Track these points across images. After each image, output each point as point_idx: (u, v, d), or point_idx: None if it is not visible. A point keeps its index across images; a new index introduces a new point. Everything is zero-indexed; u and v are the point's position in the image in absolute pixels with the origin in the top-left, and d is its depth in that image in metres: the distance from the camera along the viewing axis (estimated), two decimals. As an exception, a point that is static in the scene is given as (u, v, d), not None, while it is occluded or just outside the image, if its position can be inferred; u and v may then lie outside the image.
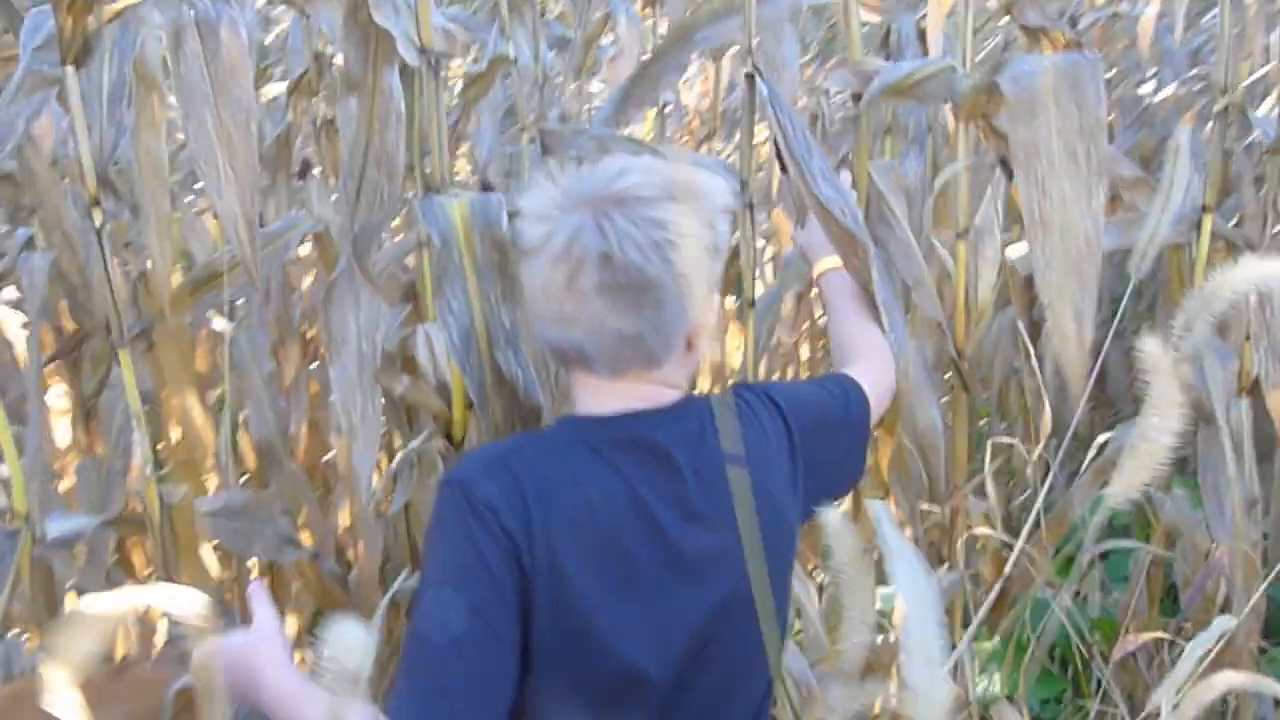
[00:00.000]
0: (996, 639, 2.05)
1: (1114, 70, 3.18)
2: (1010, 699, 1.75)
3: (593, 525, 1.06)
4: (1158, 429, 0.78)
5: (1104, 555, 2.21)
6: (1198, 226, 1.81)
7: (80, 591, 1.55)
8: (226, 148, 1.18)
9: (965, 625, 1.80)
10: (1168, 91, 2.99)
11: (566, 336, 1.10)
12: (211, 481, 1.91)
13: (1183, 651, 0.89)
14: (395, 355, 1.53)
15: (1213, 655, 0.90)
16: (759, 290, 2.06)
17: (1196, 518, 1.89)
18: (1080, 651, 1.75)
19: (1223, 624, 0.92)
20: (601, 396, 1.14)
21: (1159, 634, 1.66)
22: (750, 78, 1.48)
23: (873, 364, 1.42)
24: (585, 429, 1.14)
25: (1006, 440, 1.79)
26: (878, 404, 1.39)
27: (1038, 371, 2.02)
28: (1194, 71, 3.02)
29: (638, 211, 1.06)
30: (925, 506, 1.83)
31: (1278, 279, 0.85)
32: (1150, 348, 0.79)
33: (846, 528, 0.74)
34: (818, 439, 1.25)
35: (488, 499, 1.03)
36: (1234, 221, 2.27)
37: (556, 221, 1.08)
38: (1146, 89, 3.10)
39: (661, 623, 1.08)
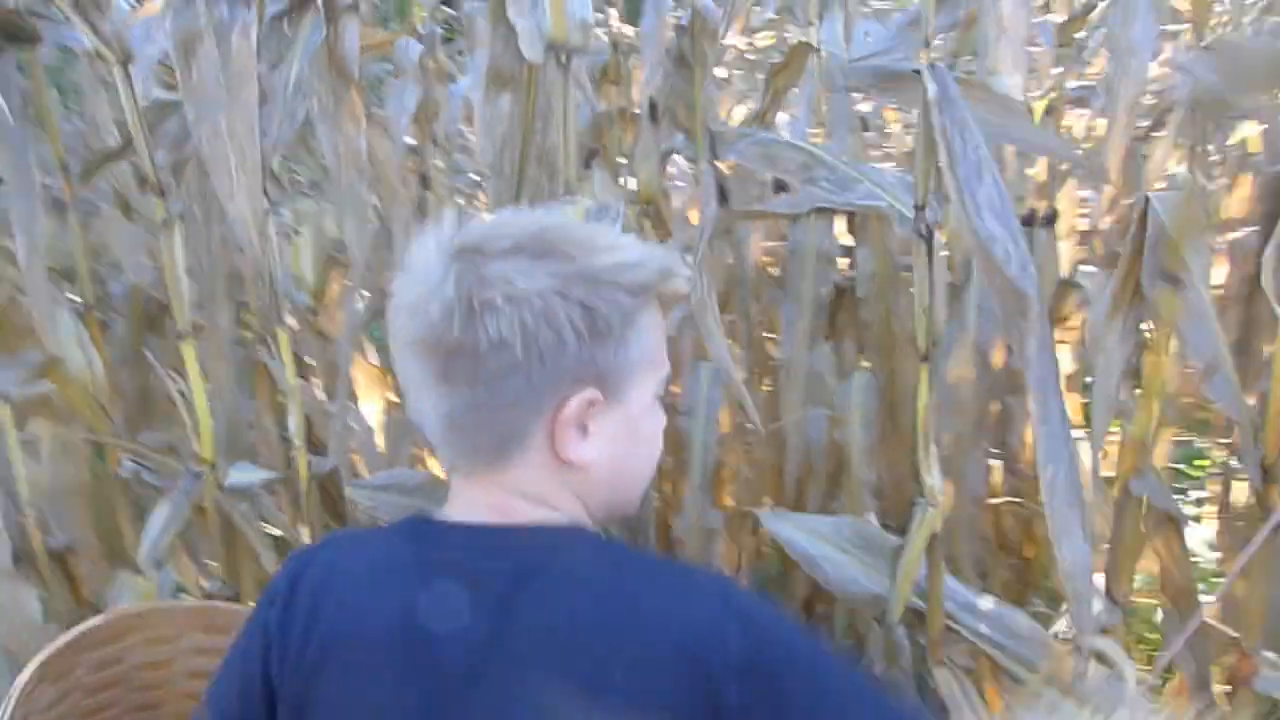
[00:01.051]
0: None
1: None
2: None
3: (356, 646, 0.90)
4: None
5: None
6: None
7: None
8: (237, 152, 1.18)
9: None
10: None
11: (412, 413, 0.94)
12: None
13: None
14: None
15: None
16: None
17: None
18: None
19: None
20: (454, 499, 0.94)
21: None
22: (916, 71, 1.19)
23: None
24: (415, 532, 0.95)
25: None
26: None
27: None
28: None
29: (472, 262, 0.86)
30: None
31: None
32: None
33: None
34: None
35: (272, 585, 0.95)
36: None
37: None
38: None
39: None
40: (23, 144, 1.63)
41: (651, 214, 2.36)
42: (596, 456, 0.89)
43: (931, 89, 1.18)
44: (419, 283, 0.87)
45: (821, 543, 1.41)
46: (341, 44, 1.55)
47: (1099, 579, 1.43)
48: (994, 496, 2.28)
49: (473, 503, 0.92)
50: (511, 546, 0.89)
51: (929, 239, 1.26)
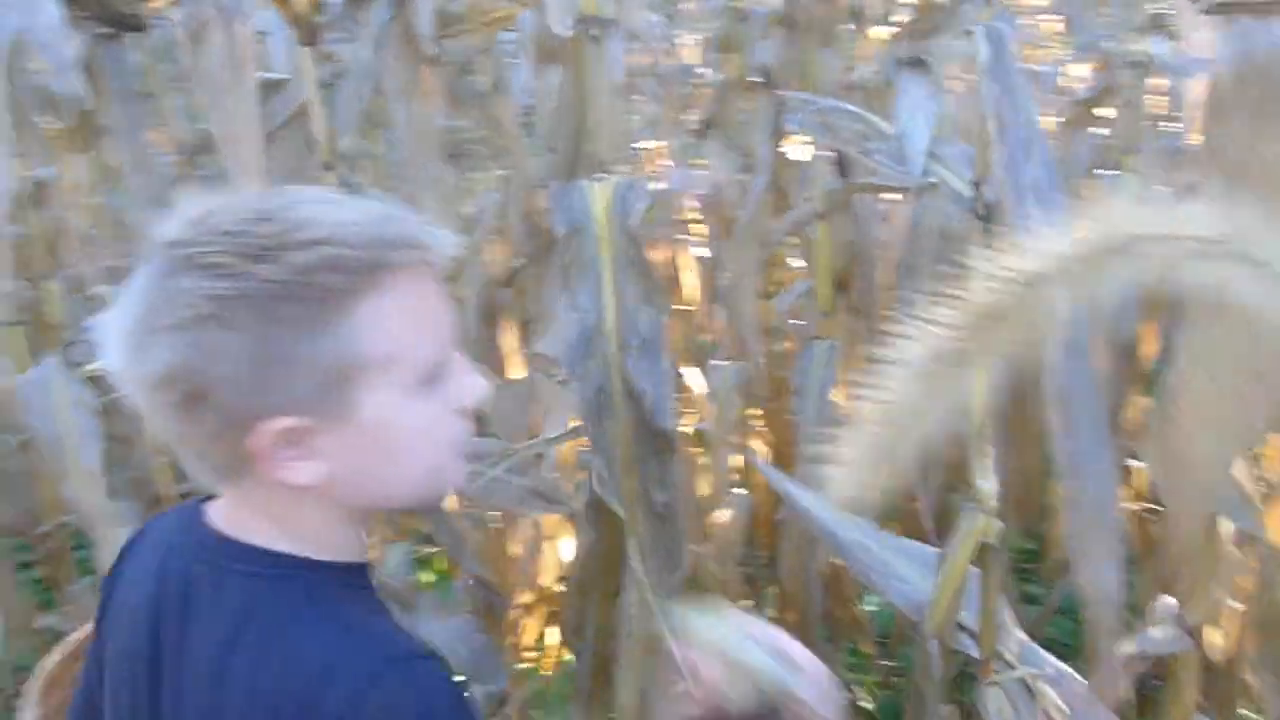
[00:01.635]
0: None
1: None
2: None
3: (120, 625, 0.91)
4: None
5: None
6: None
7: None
8: (243, 133, 1.18)
9: None
10: None
11: None
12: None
13: None
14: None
15: None
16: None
17: None
18: None
19: None
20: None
21: None
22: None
23: None
24: (188, 523, 0.91)
25: None
26: None
27: None
28: None
29: (156, 278, 0.79)
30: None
31: None
32: None
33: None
34: None
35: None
36: None
37: None
38: None
39: None
40: (138, 125, 1.73)
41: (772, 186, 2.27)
42: (326, 476, 0.81)
43: (984, 51, 1.05)
44: (125, 300, 0.81)
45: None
46: (413, 22, 1.55)
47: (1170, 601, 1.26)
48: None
49: (221, 503, 0.88)
50: (217, 564, 0.86)
51: (986, 219, 1.13)
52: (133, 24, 1.73)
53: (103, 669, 0.94)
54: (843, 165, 2.05)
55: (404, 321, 0.82)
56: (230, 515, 0.88)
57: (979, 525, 1.17)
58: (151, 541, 0.95)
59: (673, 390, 1.26)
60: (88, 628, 1.29)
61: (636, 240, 1.22)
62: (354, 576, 0.88)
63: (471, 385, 0.87)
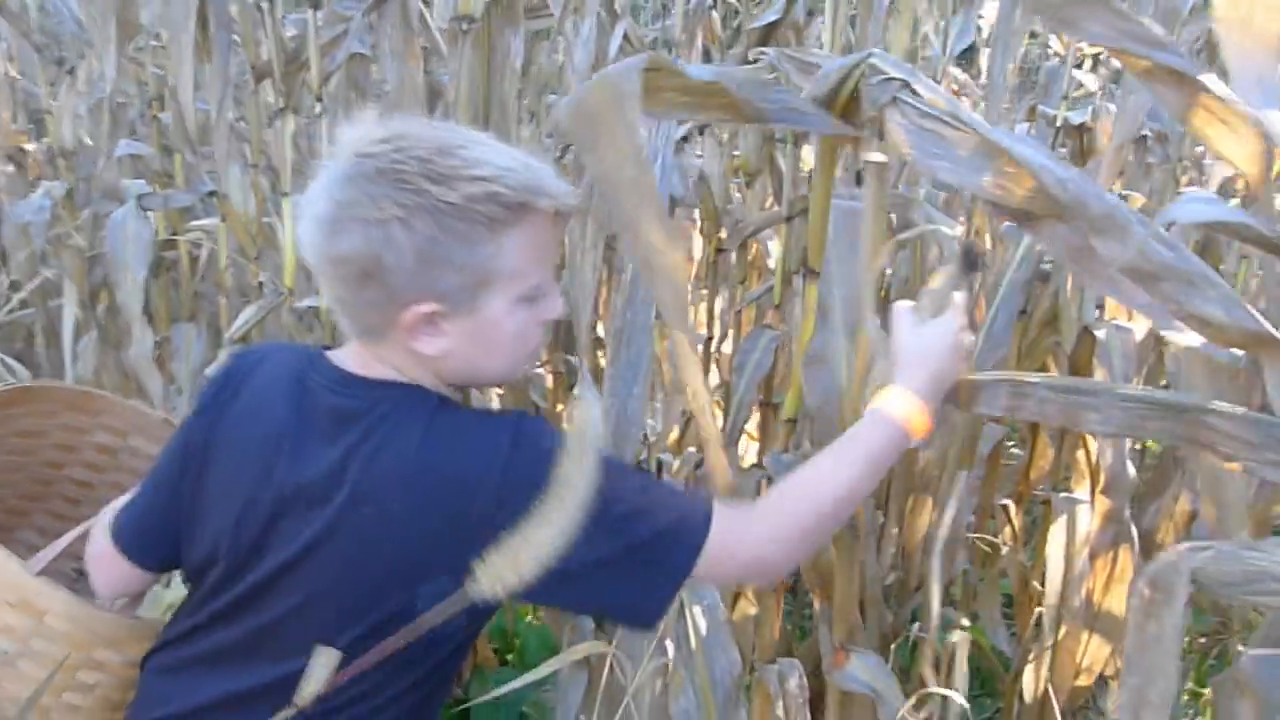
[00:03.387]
0: None
1: None
2: None
3: (237, 447, 1.18)
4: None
5: None
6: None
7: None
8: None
9: None
10: None
11: None
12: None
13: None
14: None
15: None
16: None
17: None
18: None
19: None
20: (345, 344, 1.20)
21: None
22: None
23: (761, 519, 1.12)
24: (311, 360, 1.19)
25: None
26: (714, 565, 1.10)
27: None
28: None
29: (348, 177, 1.06)
30: None
31: None
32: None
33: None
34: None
35: (203, 392, 1.27)
36: None
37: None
38: None
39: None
40: (227, 55, 2.28)
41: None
42: (445, 350, 1.10)
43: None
44: (319, 184, 1.08)
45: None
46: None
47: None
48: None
49: (350, 352, 1.16)
50: (363, 394, 1.12)
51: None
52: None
53: (203, 473, 1.19)
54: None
55: (531, 250, 1.09)
56: (358, 361, 1.14)
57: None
58: (269, 373, 1.20)
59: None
60: (9, 386, 1.59)
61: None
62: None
63: (555, 305, 1.15)
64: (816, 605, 1.62)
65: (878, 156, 1.08)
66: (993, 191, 0.97)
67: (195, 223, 2.49)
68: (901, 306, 1.20)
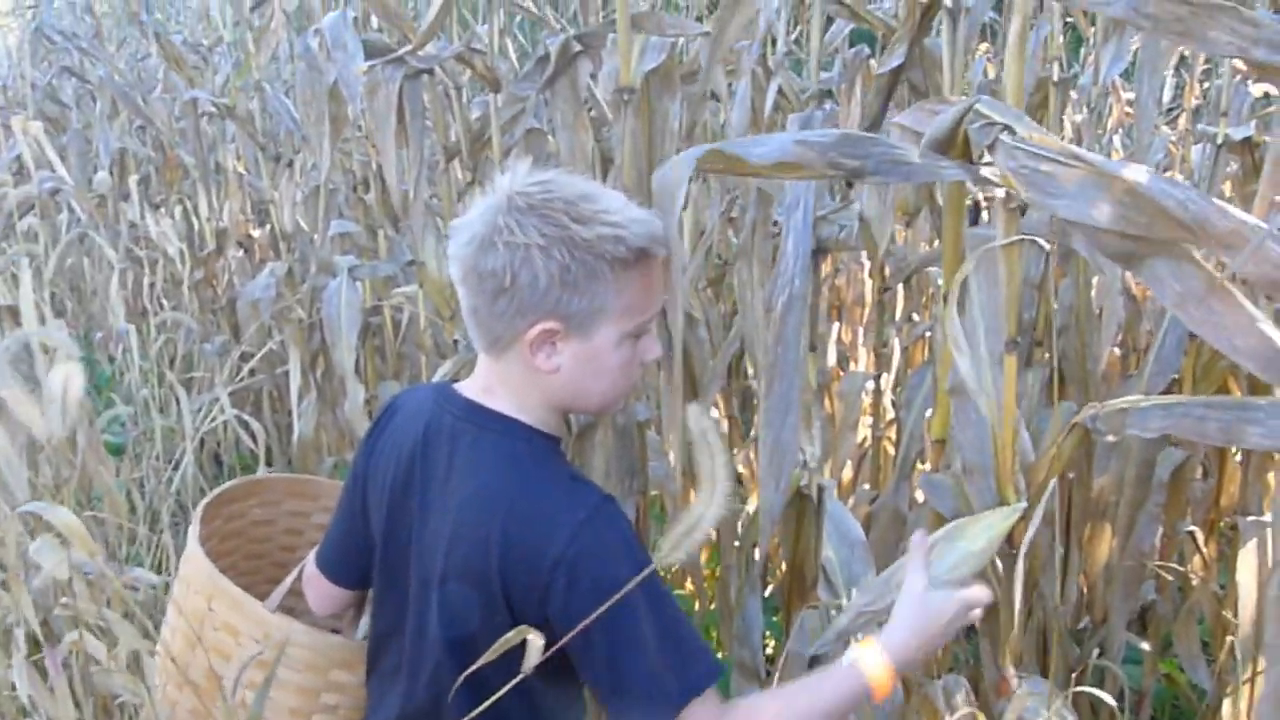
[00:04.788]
0: None
1: None
2: None
3: (387, 465, 1.36)
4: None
5: None
6: None
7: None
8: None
9: None
10: None
11: None
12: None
13: None
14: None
15: None
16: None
17: None
18: None
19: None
20: (474, 372, 1.35)
21: None
22: None
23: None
24: (441, 392, 1.36)
25: None
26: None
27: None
28: None
29: (503, 209, 1.21)
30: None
31: None
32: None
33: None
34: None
35: (369, 430, 1.45)
36: None
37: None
38: None
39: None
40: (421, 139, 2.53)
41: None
42: (558, 368, 1.24)
43: None
44: (476, 211, 1.24)
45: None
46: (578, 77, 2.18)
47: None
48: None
49: (475, 377, 1.32)
50: (480, 422, 1.29)
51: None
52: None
53: (365, 497, 1.39)
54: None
55: (643, 292, 1.25)
56: (479, 389, 1.30)
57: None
58: (411, 406, 1.39)
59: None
60: (240, 480, 1.81)
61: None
62: (556, 445, 1.32)
63: (653, 347, 1.31)
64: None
65: (999, 192, 1.15)
66: (1114, 222, 1.01)
67: (397, 290, 2.75)
68: (919, 552, 1.25)
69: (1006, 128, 1.03)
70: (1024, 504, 1.22)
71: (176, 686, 1.46)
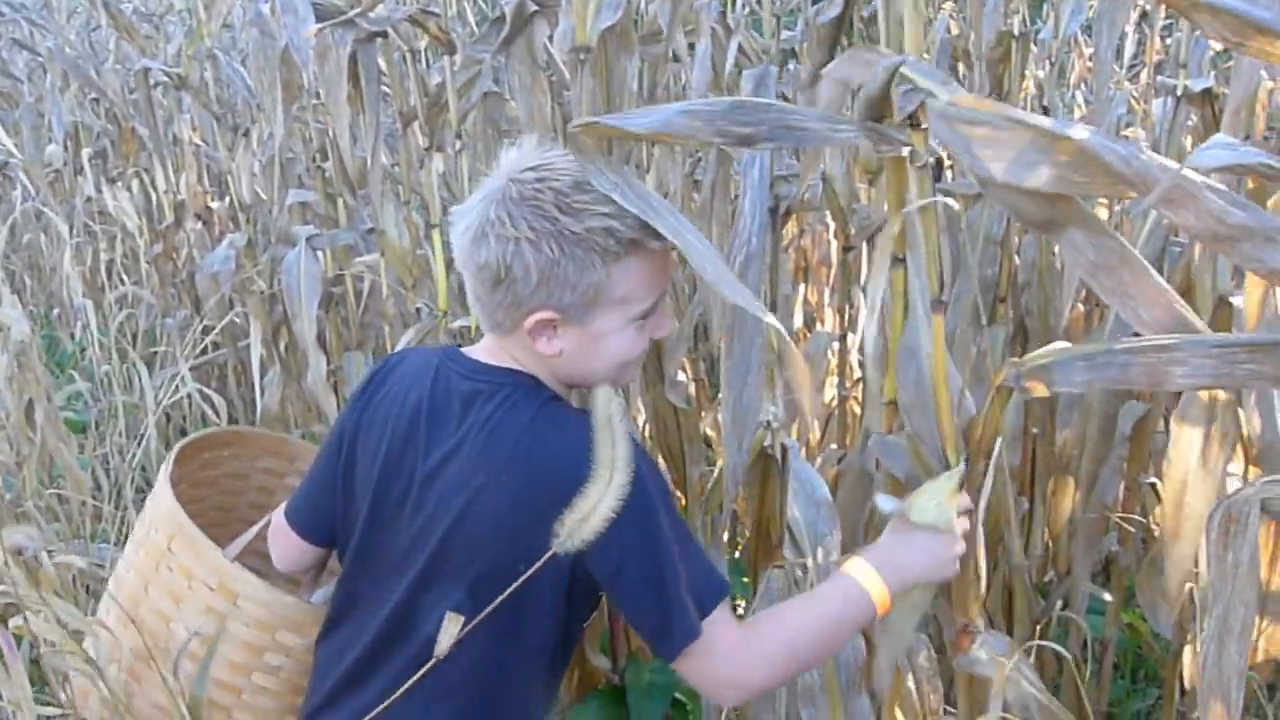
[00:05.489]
0: None
1: None
2: None
3: (385, 421, 1.36)
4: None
5: None
6: None
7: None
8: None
9: None
10: None
11: None
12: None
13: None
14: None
15: None
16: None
17: None
18: None
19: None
20: (480, 341, 1.39)
21: None
22: None
23: (755, 634, 1.27)
24: (448, 353, 1.38)
25: None
26: (701, 671, 1.27)
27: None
28: None
29: (497, 200, 1.24)
30: None
31: None
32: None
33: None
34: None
35: (359, 386, 1.45)
36: None
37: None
38: None
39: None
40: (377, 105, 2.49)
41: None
42: (560, 352, 1.28)
43: None
44: (475, 198, 1.27)
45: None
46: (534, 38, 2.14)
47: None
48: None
49: (481, 346, 1.36)
50: (490, 379, 1.31)
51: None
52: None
53: (352, 454, 1.38)
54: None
55: (639, 281, 1.27)
56: (488, 352, 1.34)
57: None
58: (411, 367, 1.38)
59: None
60: (219, 428, 1.89)
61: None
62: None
63: (664, 325, 1.34)
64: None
65: (901, 152, 1.11)
66: (1054, 184, 0.99)
67: (358, 259, 2.71)
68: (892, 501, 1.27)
69: (931, 94, 1.02)
70: (962, 468, 1.21)
71: (121, 623, 1.44)
